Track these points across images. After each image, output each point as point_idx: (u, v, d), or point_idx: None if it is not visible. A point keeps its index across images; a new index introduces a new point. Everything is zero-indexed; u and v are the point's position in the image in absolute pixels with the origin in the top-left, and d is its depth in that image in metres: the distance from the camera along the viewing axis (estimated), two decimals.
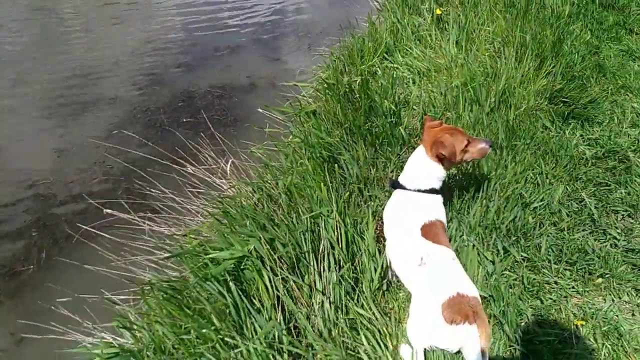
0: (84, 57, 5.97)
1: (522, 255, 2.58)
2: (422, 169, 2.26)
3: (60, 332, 2.37)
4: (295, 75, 5.32)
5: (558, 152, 3.17)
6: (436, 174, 2.25)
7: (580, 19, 4.55)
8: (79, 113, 5.07)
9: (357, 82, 3.59)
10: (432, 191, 2.24)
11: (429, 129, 2.27)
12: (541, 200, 2.83)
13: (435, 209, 2.22)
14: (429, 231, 2.11)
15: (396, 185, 2.32)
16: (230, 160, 3.05)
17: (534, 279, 2.50)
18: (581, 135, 3.38)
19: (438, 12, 4.52)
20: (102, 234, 2.66)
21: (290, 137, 3.76)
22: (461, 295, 1.86)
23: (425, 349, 2.04)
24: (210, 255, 2.24)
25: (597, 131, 3.41)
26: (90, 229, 2.70)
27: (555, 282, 2.49)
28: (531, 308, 2.39)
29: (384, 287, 2.43)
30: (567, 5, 4.60)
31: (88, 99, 5.25)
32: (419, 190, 2.24)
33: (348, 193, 2.76)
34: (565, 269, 2.53)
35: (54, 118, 5.04)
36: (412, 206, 2.22)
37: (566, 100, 3.54)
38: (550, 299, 2.42)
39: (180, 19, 6.82)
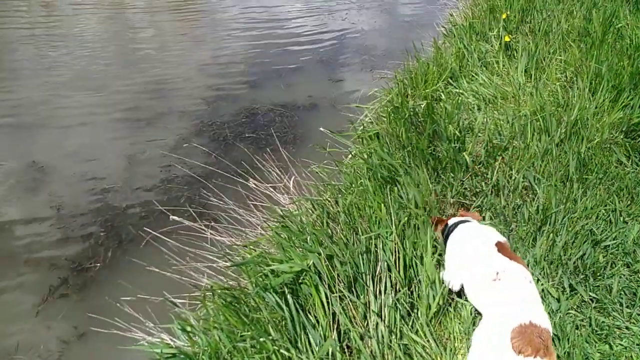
0: (157, 73, 6.34)
1: (590, 295, 2.44)
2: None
3: (122, 329, 2.48)
4: (356, 97, 5.37)
5: (634, 189, 2.99)
6: None
7: None
8: (150, 124, 5.36)
9: (422, 106, 3.58)
10: None
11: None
12: (614, 239, 2.68)
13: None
14: (504, 248, 2.09)
15: (452, 226, 2.39)
16: (293, 177, 3.11)
17: (603, 322, 2.35)
18: None
19: (507, 39, 4.45)
20: (166, 239, 2.78)
21: (350, 157, 3.80)
22: (534, 324, 1.76)
23: None
24: (271, 267, 2.28)
25: None
26: (157, 234, 2.82)
27: (627, 328, 2.33)
28: (599, 353, 2.24)
29: (441, 316, 2.37)
30: None
31: (159, 111, 5.54)
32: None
33: (408, 216, 2.73)
34: (639, 315, 2.37)
35: (127, 127, 5.35)
36: (482, 230, 2.31)
37: None
38: (621, 344, 2.26)
39: (246, 39, 7.10)
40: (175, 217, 2.70)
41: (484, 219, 2.79)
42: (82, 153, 4.86)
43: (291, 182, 3.04)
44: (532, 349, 1.71)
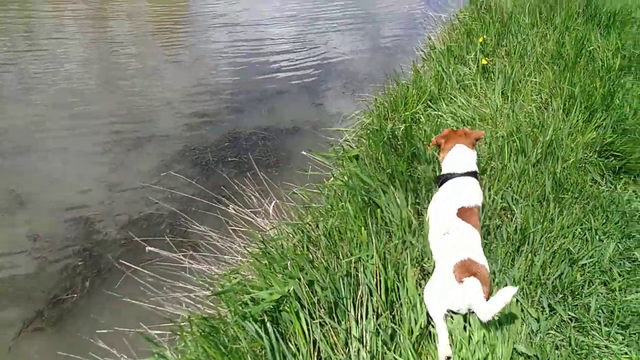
0: (140, 98, 6.33)
1: (569, 315, 2.45)
2: (467, 156, 2.89)
3: None
4: (338, 120, 5.43)
5: (609, 207, 3.05)
6: (475, 159, 2.92)
7: (632, 72, 4.46)
8: (132, 150, 5.32)
9: (401, 128, 3.63)
10: (474, 174, 2.83)
11: (456, 134, 2.99)
12: (590, 257, 2.71)
13: (475, 194, 2.72)
14: (462, 212, 2.59)
15: (444, 178, 2.85)
16: (273, 201, 3.11)
17: (583, 341, 2.35)
18: (634, 192, 3.25)
19: (484, 62, 4.55)
20: (144, 271, 2.73)
21: (332, 179, 3.81)
22: (472, 260, 2.30)
23: (445, 317, 2.29)
24: (250, 295, 2.25)
25: None
26: (135, 266, 2.77)
27: (606, 346, 2.34)
28: None
29: (423, 339, 2.35)
30: (617, 58, 4.53)
31: (141, 137, 5.51)
32: (467, 173, 2.80)
33: (388, 237, 2.74)
34: (617, 333, 2.38)
35: (108, 153, 5.31)
36: (457, 190, 2.75)
37: (617, 154, 3.43)
38: None
39: (230, 65, 7.16)
40: (152, 248, 2.66)
41: None
42: (62, 180, 4.79)
43: (271, 207, 3.03)
44: (469, 273, 2.23)
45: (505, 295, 2.06)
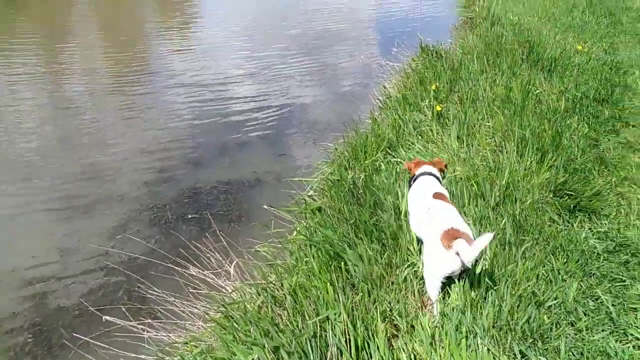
0: (95, 156, 6.16)
1: None
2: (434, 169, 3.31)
3: None
4: (301, 170, 5.41)
5: (568, 246, 3.10)
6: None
7: (576, 113, 4.69)
8: (86, 212, 5.12)
9: (361, 178, 3.64)
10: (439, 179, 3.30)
11: (423, 161, 3.42)
12: (555, 299, 2.72)
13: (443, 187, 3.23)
14: (438, 195, 2.96)
15: (416, 176, 3.23)
16: (234, 262, 3.00)
17: None
18: (590, 229, 3.33)
19: (438, 108, 4.70)
20: (98, 343, 2.55)
21: (295, 233, 3.75)
22: (455, 229, 2.57)
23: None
24: None
25: (606, 224, 3.36)
26: (86, 338, 2.59)
27: None
28: None
29: None
30: (562, 101, 4.77)
31: (96, 198, 5.33)
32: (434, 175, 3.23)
33: (355, 291, 2.67)
34: None
35: (61, 216, 5.09)
36: (429, 181, 3.15)
37: (571, 193, 3.53)
38: None
39: (189, 118, 7.12)
40: (108, 318, 2.50)
41: None
42: (9, 249, 4.54)
43: (232, 267, 2.93)
44: (452, 237, 2.49)
45: (483, 240, 2.36)
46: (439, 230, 2.59)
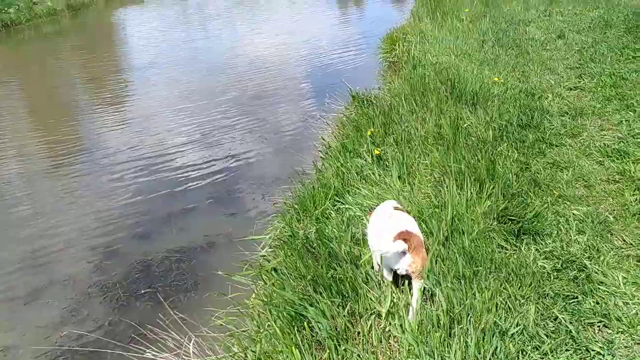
0: (35, 242, 5.81)
1: None
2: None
3: None
4: (253, 227, 5.33)
5: (520, 271, 3.21)
6: None
7: (504, 140, 5.00)
8: (28, 303, 4.79)
9: (312, 231, 3.64)
10: None
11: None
12: (517, 325, 2.78)
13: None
14: (398, 209, 3.38)
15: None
16: (192, 340, 2.87)
17: None
18: (537, 250, 3.48)
19: (376, 152, 4.85)
20: None
21: (253, 296, 3.66)
22: (408, 232, 2.98)
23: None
24: None
25: (550, 243, 3.53)
26: None
27: None
28: None
29: None
30: (489, 130, 5.07)
31: (40, 285, 5.01)
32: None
33: (321, 348, 2.62)
34: None
35: (0, 311, 4.71)
36: (390, 203, 3.51)
37: (513, 218, 3.70)
38: None
39: (131, 189, 6.92)
40: None
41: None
42: None
43: (191, 345, 2.79)
44: (404, 239, 2.89)
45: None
46: (395, 230, 2.98)
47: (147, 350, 2.86)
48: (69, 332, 4.28)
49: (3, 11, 19.48)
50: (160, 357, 2.78)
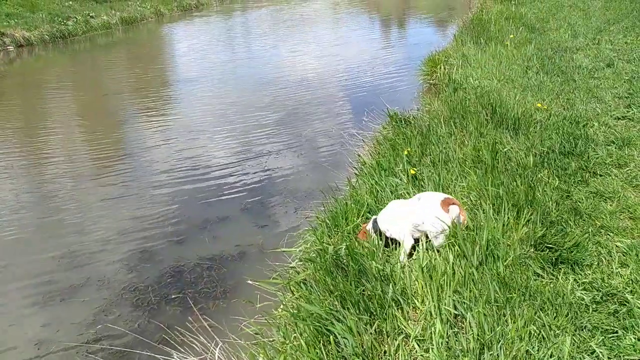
0: (74, 241, 6.04)
1: None
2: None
3: None
4: (284, 239, 5.37)
5: (556, 300, 3.10)
6: None
7: (545, 167, 4.87)
8: (64, 300, 4.95)
9: (342, 247, 3.64)
10: None
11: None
12: (551, 356, 2.68)
13: None
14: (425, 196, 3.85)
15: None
16: (219, 345, 2.90)
17: None
18: (575, 280, 3.35)
19: (412, 172, 4.82)
20: None
21: (281, 307, 3.67)
22: (448, 197, 3.72)
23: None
24: None
25: (590, 274, 3.40)
26: None
27: None
28: None
29: None
30: (530, 156, 4.96)
31: (75, 284, 5.17)
32: None
33: None
34: None
35: (38, 306, 4.90)
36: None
37: (551, 246, 3.59)
38: None
39: (168, 196, 7.11)
40: None
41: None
42: None
43: (217, 350, 2.82)
44: (449, 203, 3.62)
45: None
46: (438, 199, 3.64)
47: (175, 352, 2.91)
48: (100, 331, 4.40)
49: (62, 23, 20.66)
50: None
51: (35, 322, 4.63)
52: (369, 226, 3.90)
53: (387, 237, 3.82)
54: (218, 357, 2.81)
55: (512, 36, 10.72)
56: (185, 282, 5.13)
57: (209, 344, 2.99)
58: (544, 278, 3.39)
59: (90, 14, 22.27)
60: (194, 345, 3.03)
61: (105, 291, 5.05)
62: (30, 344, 4.33)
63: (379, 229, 3.81)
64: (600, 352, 2.73)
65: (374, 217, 3.97)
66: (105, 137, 9.71)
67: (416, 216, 3.65)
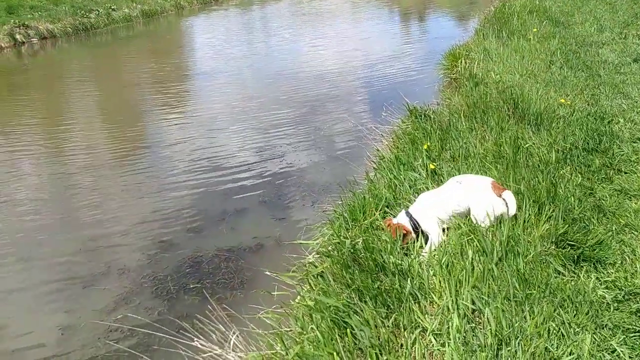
0: (95, 230, 6.17)
1: None
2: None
3: None
4: (301, 232, 5.39)
5: (576, 298, 3.05)
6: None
7: (568, 164, 4.78)
8: (87, 287, 5.07)
9: (359, 242, 3.64)
10: None
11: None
12: (570, 354, 2.64)
13: None
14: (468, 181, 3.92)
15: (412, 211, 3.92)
16: (235, 333, 2.94)
17: None
18: (597, 278, 3.29)
19: (432, 167, 4.79)
20: None
21: (298, 298, 3.69)
22: (494, 182, 3.77)
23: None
24: None
25: (612, 273, 3.34)
26: None
27: None
28: None
29: None
30: (552, 152, 4.88)
31: (96, 272, 5.29)
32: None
33: (363, 357, 2.60)
34: None
35: (61, 293, 5.02)
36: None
37: (573, 243, 3.53)
38: None
39: (188, 188, 7.19)
40: None
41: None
42: (10, 328, 4.46)
43: (233, 338, 2.86)
44: (500, 189, 3.70)
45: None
46: (487, 183, 3.70)
47: (195, 339, 2.96)
48: (121, 318, 4.49)
49: (85, 16, 20.97)
50: (206, 347, 2.86)
51: (58, 310, 4.75)
52: (403, 220, 3.81)
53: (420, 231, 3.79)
54: (235, 344, 2.85)
55: (535, 30, 10.51)
56: (203, 272, 5.20)
57: (227, 332, 3.03)
58: (564, 276, 3.34)
59: (112, 7, 22.57)
60: (213, 333, 3.07)
61: (126, 280, 5.15)
62: (54, 330, 4.44)
63: (416, 222, 3.78)
64: (622, 351, 2.69)
65: (403, 210, 3.92)
66: (125, 129, 9.86)
67: (457, 201, 3.70)
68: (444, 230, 3.78)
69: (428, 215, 3.74)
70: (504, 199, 3.58)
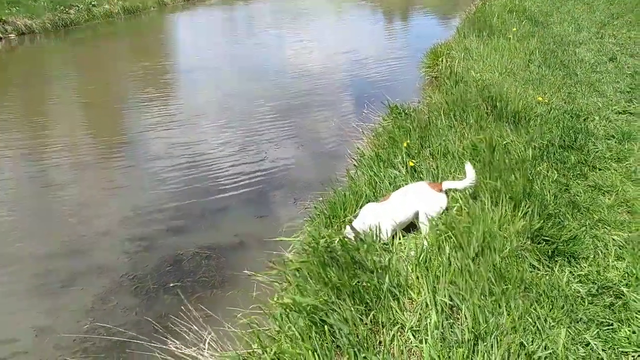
0: (74, 229, 6.05)
1: None
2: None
3: None
4: (282, 230, 5.37)
5: (551, 292, 3.11)
6: None
7: (544, 160, 4.86)
8: (64, 287, 4.98)
9: (336, 240, 3.64)
10: None
11: None
12: (545, 348, 2.69)
13: None
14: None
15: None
16: (211, 334, 2.91)
17: None
18: (571, 272, 3.35)
19: (411, 164, 4.82)
20: None
21: (276, 296, 3.68)
22: (434, 183, 4.10)
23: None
24: None
25: (586, 267, 3.40)
26: None
27: None
28: None
29: None
30: (529, 150, 4.95)
31: (75, 272, 5.19)
32: None
33: (341, 354, 2.60)
34: None
35: (36, 294, 4.92)
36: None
37: (548, 238, 3.59)
38: None
39: (169, 185, 7.11)
40: None
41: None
42: None
43: (208, 339, 2.83)
44: (437, 186, 3.97)
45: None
46: (424, 185, 4.01)
47: (170, 341, 2.92)
48: (98, 319, 4.42)
49: (64, 12, 20.57)
50: (182, 350, 2.83)
51: (33, 312, 4.65)
52: (350, 235, 3.82)
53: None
54: (209, 344, 2.82)
55: (514, 29, 10.65)
56: (183, 271, 5.14)
57: (203, 334, 3.00)
58: (540, 270, 3.39)
59: (93, 3, 22.16)
60: (189, 334, 3.04)
61: (105, 279, 5.07)
62: (29, 333, 4.34)
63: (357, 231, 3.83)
64: (595, 344, 2.74)
65: (347, 226, 3.96)
66: (105, 126, 9.71)
67: (407, 208, 3.92)
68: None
69: (378, 220, 3.83)
70: (445, 192, 3.95)
